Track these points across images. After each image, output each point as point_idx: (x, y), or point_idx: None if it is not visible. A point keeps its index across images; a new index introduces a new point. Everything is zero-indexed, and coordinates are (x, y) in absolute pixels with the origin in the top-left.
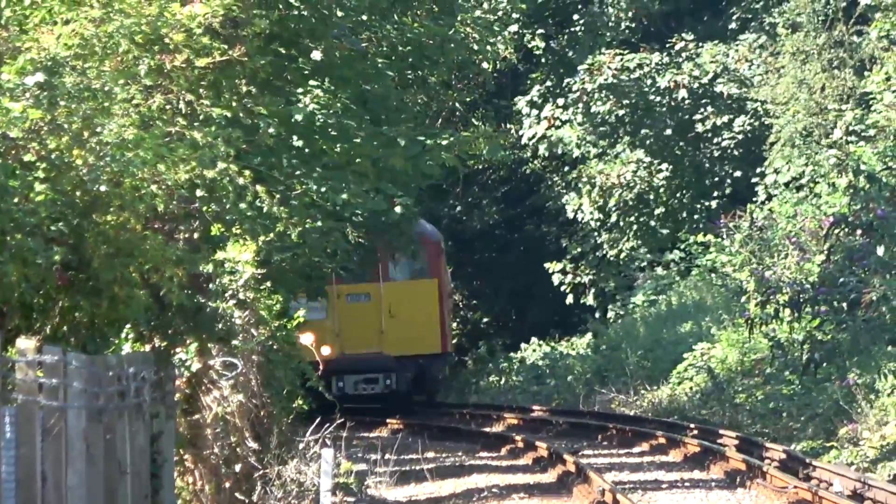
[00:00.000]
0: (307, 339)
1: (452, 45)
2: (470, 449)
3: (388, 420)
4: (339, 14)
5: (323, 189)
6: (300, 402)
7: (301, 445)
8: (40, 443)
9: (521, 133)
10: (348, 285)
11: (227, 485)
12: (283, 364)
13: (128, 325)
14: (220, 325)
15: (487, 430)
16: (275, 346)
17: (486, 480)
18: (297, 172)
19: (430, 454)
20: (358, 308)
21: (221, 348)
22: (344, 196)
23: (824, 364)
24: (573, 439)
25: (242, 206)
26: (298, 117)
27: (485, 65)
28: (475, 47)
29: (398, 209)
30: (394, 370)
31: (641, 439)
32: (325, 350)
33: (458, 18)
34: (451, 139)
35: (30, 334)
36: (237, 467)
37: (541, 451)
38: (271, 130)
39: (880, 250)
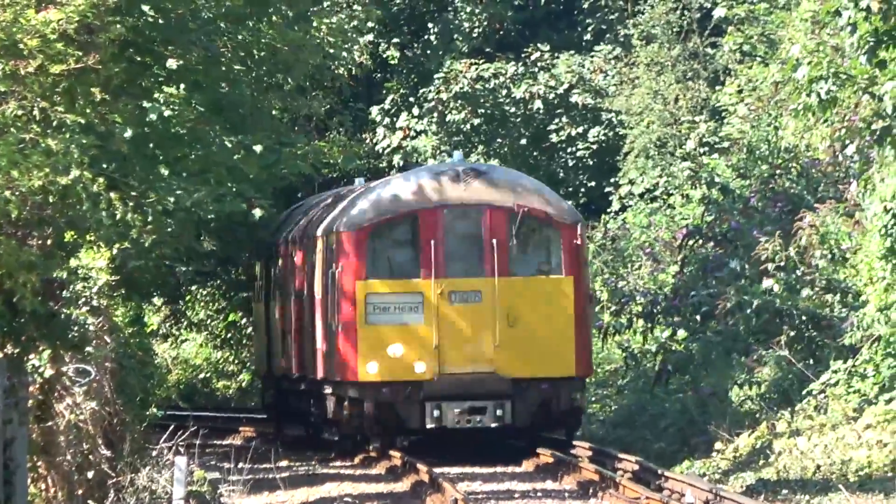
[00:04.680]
0: (396, 350)
1: (307, 49)
2: (323, 458)
3: (240, 428)
4: (195, 21)
5: (178, 192)
6: (153, 409)
7: (154, 453)
8: None
9: (375, 142)
10: (452, 279)
11: (80, 492)
12: (136, 371)
13: None
14: (73, 332)
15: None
16: (128, 353)
17: (338, 489)
18: (152, 178)
19: (284, 462)
20: (465, 311)
21: (74, 355)
22: (200, 198)
23: (676, 374)
24: (427, 449)
25: (90, 207)
26: (153, 116)
27: (341, 70)
28: (331, 51)
29: (257, 211)
30: (510, 397)
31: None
32: (419, 367)
33: (314, 24)
34: (307, 148)
35: None
36: (90, 474)
37: (395, 461)
38: (126, 134)
39: (734, 263)
